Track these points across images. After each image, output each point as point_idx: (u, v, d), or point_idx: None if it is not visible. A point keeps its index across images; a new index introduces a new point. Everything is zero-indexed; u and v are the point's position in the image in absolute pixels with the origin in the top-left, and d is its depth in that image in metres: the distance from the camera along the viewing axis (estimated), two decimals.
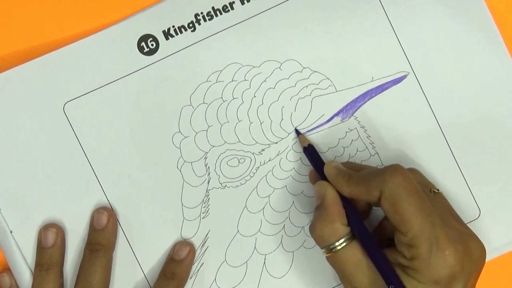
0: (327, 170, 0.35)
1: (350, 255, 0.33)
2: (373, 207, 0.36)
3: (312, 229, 0.34)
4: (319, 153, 0.37)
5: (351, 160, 0.38)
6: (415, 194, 0.31)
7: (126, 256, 0.38)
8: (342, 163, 0.36)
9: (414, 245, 0.31)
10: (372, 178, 0.32)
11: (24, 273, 0.37)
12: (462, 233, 0.32)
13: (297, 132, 0.38)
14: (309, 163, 0.38)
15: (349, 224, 0.33)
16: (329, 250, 0.33)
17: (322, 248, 0.34)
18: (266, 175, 0.38)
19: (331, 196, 0.34)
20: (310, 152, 0.37)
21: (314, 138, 0.38)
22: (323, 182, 0.35)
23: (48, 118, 0.37)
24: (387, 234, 0.35)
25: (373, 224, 0.37)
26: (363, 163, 0.38)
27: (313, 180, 0.37)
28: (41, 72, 0.37)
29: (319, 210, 0.34)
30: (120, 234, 0.38)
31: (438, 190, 0.35)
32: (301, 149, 0.38)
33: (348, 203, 0.34)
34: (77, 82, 0.38)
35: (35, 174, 0.37)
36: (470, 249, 0.32)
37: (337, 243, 0.33)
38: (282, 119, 0.38)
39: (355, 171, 0.34)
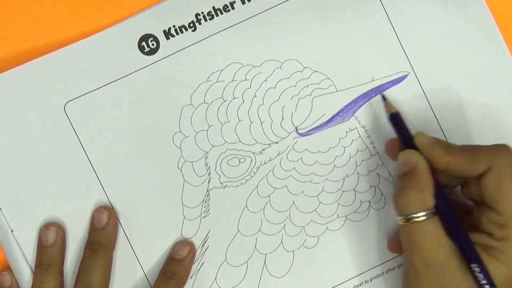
0: (420, 140, 0.34)
1: (430, 228, 0.32)
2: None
3: (399, 194, 0.32)
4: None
5: (352, 159, 0.38)
6: None
7: (127, 256, 0.38)
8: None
9: (508, 225, 0.31)
10: (481, 152, 0.32)
11: (25, 272, 0.37)
12: None
13: (383, 96, 0.37)
14: (309, 163, 0.38)
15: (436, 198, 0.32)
16: (407, 219, 0.32)
17: (401, 216, 0.32)
18: (267, 175, 0.38)
19: (423, 164, 0.33)
20: (397, 120, 0.35)
21: (315, 137, 0.38)
22: (413, 151, 0.33)
23: (49, 117, 0.37)
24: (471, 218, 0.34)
25: None
26: (364, 162, 0.38)
27: (390, 152, 0.36)
28: (42, 72, 0.37)
29: (408, 178, 0.33)
30: (120, 233, 0.38)
31: None
32: (302, 149, 0.38)
33: (434, 178, 0.33)
34: (78, 82, 0.38)
35: (36, 174, 0.37)
36: None
37: (421, 213, 0.32)
38: (282, 119, 0.38)
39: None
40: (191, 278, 0.38)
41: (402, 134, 0.35)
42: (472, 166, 0.32)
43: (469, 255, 0.31)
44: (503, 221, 0.31)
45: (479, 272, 0.31)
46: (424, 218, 0.32)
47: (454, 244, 0.32)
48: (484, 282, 0.31)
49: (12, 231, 0.37)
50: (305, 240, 0.38)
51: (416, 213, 0.32)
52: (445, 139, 0.38)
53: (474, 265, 0.31)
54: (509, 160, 0.32)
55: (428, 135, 0.34)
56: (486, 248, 0.31)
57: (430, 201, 0.32)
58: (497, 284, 0.31)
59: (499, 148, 0.32)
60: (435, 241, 0.32)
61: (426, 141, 0.33)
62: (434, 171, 0.33)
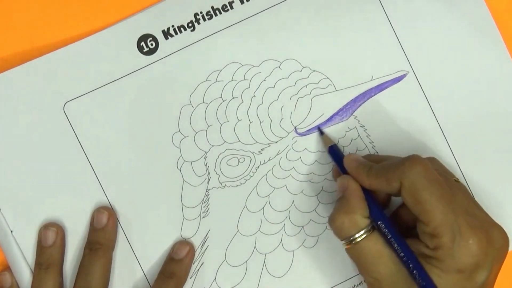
0: (346, 163, 0.35)
1: (370, 246, 0.32)
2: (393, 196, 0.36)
3: (332, 220, 0.34)
4: (341, 152, 0.37)
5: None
6: (435, 183, 0.31)
7: (126, 256, 0.38)
8: (363, 156, 0.36)
9: (437, 235, 0.31)
10: (391, 170, 0.32)
11: (25, 272, 0.37)
12: (485, 221, 0.32)
13: (321, 131, 0.37)
14: (308, 163, 0.38)
15: (371, 215, 0.33)
16: (349, 242, 0.33)
17: (341, 240, 0.33)
18: (266, 175, 0.38)
19: (353, 188, 0.34)
20: (334, 151, 0.37)
21: (314, 137, 0.38)
22: (345, 176, 0.35)
23: (48, 118, 0.37)
24: (404, 222, 0.35)
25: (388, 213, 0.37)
26: None
27: (337, 177, 0.37)
28: (41, 72, 0.37)
29: (340, 202, 0.34)
30: (120, 233, 0.38)
31: (457, 179, 0.35)
32: (301, 149, 0.38)
33: (369, 194, 0.34)
34: (77, 82, 0.38)
35: (35, 174, 0.37)
36: (493, 237, 0.31)
37: (357, 235, 0.33)
38: (282, 119, 0.38)
39: (375, 162, 0.34)
40: (190, 278, 0.38)
41: (338, 162, 0.36)
42: (388, 185, 0.32)
43: (409, 266, 0.31)
44: (431, 231, 0.31)
45: (420, 278, 0.31)
46: (363, 237, 0.33)
47: (397, 255, 0.32)
48: (424, 284, 0.31)
49: (11, 231, 0.37)
50: (305, 239, 0.38)
51: (352, 235, 0.33)
52: (444, 138, 0.38)
53: (416, 276, 0.31)
54: (418, 170, 0.32)
55: (355, 158, 0.35)
56: (426, 258, 0.32)
57: (362, 221, 0.33)
58: None
59: (406, 161, 0.32)
60: (377, 257, 0.32)
61: (351, 165, 0.35)
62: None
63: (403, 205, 0.36)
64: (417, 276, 0.31)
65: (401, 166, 0.32)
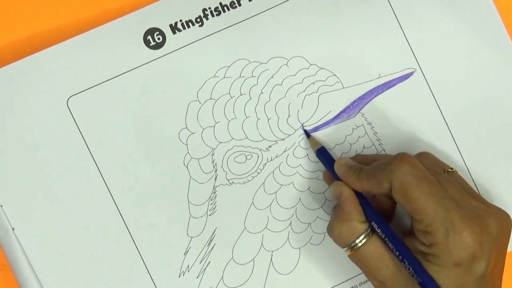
0: (337, 168, 0.35)
1: (371, 250, 0.33)
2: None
3: (330, 230, 0.34)
4: (331, 154, 0.37)
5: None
6: (424, 180, 0.32)
7: (130, 253, 0.37)
8: (352, 157, 0.36)
9: (430, 231, 0.31)
10: (380, 171, 0.33)
11: (25, 271, 0.36)
12: (479, 210, 0.32)
13: (307, 134, 0.38)
14: (316, 160, 0.38)
15: (367, 219, 0.34)
16: (351, 248, 0.33)
17: (343, 248, 0.34)
18: (273, 172, 0.38)
19: (346, 194, 0.34)
20: (323, 154, 0.37)
21: (321, 134, 0.38)
22: (338, 182, 0.35)
23: (52, 113, 0.36)
24: (403, 223, 0.36)
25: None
26: None
27: (328, 180, 0.37)
28: (45, 66, 0.36)
29: (335, 211, 0.34)
30: (125, 231, 0.37)
31: (452, 169, 0.35)
32: (308, 146, 0.38)
33: (363, 198, 0.34)
34: (81, 76, 0.37)
35: (37, 171, 0.36)
36: (488, 225, 0.32)
37: (357, 241, 0.33)
38: (289, 116, 0.38)
39: (365, 162, 0.35)
40: (197, 278, 0.37)
41: (329, 166, 0.36)
42: (379, 187, 0.33)
43: (407, 266, 0.32)
44: (424, 228, 0.32)
45: (416, 275, 0.31)
46: (364, 241, 0.33)
47: (396, 256, 0.33)
48: (420, 281, 0.31)
49: (13, 229, 0.36)
50: (311, 237, 0.38)
51: (353, 241, 0.33)
52: (451, 136, 0.38)
53: (414, 275, 0.32)
54: (406, 169, 0.32)
55: (345, 162, 0.35)
56: (424, 255, 0.32)
57: (360, 226, 0.33)
58: (445, 286, 0.31)
59: (393, 161, 0.32)
60: (379, 260, 0.33)
61: (341, 170, 0.35)
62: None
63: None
64: (413, 274, 0.31)
65: (389, 166, 0.32)
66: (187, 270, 0.37)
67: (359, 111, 0.38)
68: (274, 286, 0.38)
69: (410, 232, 0.33)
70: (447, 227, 0.31)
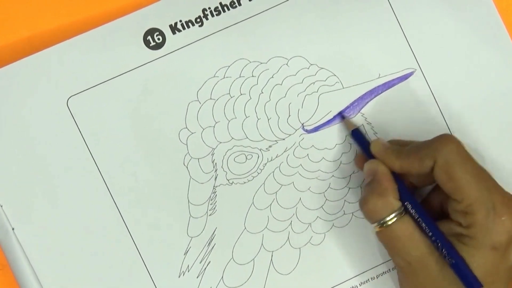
0: (374, 148, 0.35)
1: (402, 229, 0.33)
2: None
3: (364, 203, 0.34)
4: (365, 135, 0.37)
5: (358, 156, 0.38)
6: (469, 160, 0.32)
7: (130, 253, 0.37)
8: (388, 141, 0.36)
9: (470, 212, 0.31)
10: (423, 148, 0.33)
11: (25, 270, 0.36)
12: None
13: (342, 116, 0.37)
14: (315, 160, 0.38)
15: (400, 199, 0.33)
16: (380, 224, 0.33)
17: (373, 223, 0.34)
18: (273, 172, 0.38)
19: (383, 170, 0.34)
20: (359, 135, 0.37)
21: (321, 134, 0.38)
22: (374, 160, 0.35)
23: (51, 113, 0.36)
24: (434, 208, 0.35)
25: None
26: None
27: (359, 164, 0.37)
28: (45, 66, 0.36)
29: (371, 185, 0.34)
30: (125, 231, 0.37)
31: None
32: (308, 146, 0.38)
33: (397, 178, 0.34)
34: (81, 76, 0.37)
35: (37, 171, 0.36)
36: None
37: (390, 217, 0.33)
38: (289, 116, 0.38)
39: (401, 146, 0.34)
40: (197, 277, 0.37)
41: (364, 147, 0.36)
42: (421, 165, 0.33)
43: (440, 246, 0.32)
44: (464, 209, 0.32)
45: (449, 256, 0.31)
46: (394, 220, 0.33)
47: (428, 238, 0.33)
48: (453, 262, 0.31)
49: (13, 229, 0.36)
50: (312, 237, 0.38)
51: (385, 217, 0.33)
52: None
53: (447, 256, 0.31)
54: (453, 148, 0.32)
55: (382, 142, 0.35)
56: (458, 237, 0.32)
57: (395, 203, 0.33)
58: (477, 269, 0.31)
59: (440, 139, 0.33)
60: (409, 240, 0.33)
61: (379, 149, 0.35)
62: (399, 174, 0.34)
63: (430, 192, 0.36)
64: (446, 255, 0.31)
65: (434, 144, 0.32)
66: (187, 270, 0.37)
67: (359, 111, 0.38)
68: (274, 286, 0.38)
69: (441, 219, 0.33)
70: (488, 209, 0.31)
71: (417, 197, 0.37)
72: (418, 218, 0.33)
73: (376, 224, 0.33)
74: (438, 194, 0.34)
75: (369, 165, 0.35)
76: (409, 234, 0.33)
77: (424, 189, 0.37)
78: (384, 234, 0.33)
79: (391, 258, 0.34)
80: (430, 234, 0.32)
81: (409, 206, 0.33)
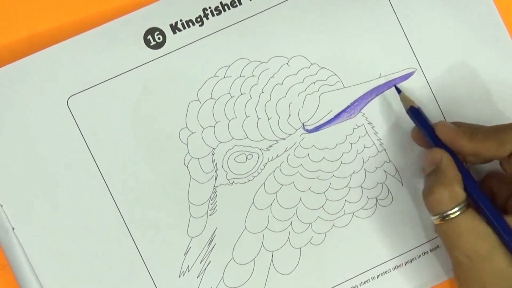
0: (442, 128, 0.34)
1: (467, 222, 0.31)
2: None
3: (429, 193, 0.32)
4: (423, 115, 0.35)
5: (359, 156, 0.38)
6: None
7: (130, 253, 0.37)
8: (452, 122, 0.34)
9: None
10: (504, 132, 0.31)
11: (25, 270, 0.36)
12: None
13: (398, 90, 0.36)
14: (316, 160, 0.38)
15: (465, 190, 0.32)
16: (443, 217, 0.32)
17: (435, 215, 0.32)
18: (274, 172, 0.38)
19: (448, 160, 0.32)
20: (416, 113, 0.35)
21: (322, 134, 0.38)
22: (436, 148, 0.33)
23: (52, 112, 0.36)
24: (499, 200, 0.34)
25: None
26: (371, 159, 0.38)
27: (417, 140, 0.36)
28: (45, 65, 0.36)
29: (435, 175, 0.32)
30: (125, 231, 0.37)
31: None
32: (309, 146, 0.38)
33: (462, 168, 0.33)
34: (81, 76, 0.37)
35: (37, 170, 0.36)
36: None
37: (453, 210, 0.31)
38: (289, 115, 0.38)
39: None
40: (197, 277, 0.37)
41: (425, 128, 0.35)
42: (500, 148, 0.31)
43: (508, 241, 0.31)
44: None
45: None
46: (459, 213, 0.32)
47: (494, 232, 0.31)
48: None
49: (13, 229, 0.36)
50: (312, 237, 0.38)
51: (449, 210, 0.32)
52: None
53: None
54: None
55: (449, 124, 0.34)
56: None
57: (461, 194, 0.32)
58: None
59: None
60: (474, 234, 0.31)
61: (447, 131, 0.33)
62: (462, 159, 0.33)
63: (495, 184, 0.35)
64: None
65: None
66: (187, 270, 0.37)
67: (359, 111, 0.38)
68: (275, 286, 0.38)
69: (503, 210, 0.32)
70: None
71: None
72: (486, 212, 0.31)
73: (437, 216, 0.32)
74: (505, 186, 0.33)
75: (432, 153, 0.33)
76: (475, 228, 0.31)
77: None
78: (446, 227, 0.32)
79: (449, 252, 0.32)
80: (498, 228, 0.31)
81: (476, 199, 0.32)
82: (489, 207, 0.32)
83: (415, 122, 0.36)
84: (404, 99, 0.36)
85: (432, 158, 0.33)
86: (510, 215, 0.32)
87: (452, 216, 0.32)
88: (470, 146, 0.32)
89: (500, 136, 0.32)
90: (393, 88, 0.38)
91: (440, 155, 0.33)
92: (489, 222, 0.32)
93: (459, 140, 0.33)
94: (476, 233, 0.31)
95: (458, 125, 0.35)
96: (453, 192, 0.32)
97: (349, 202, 0.38)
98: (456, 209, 0.32)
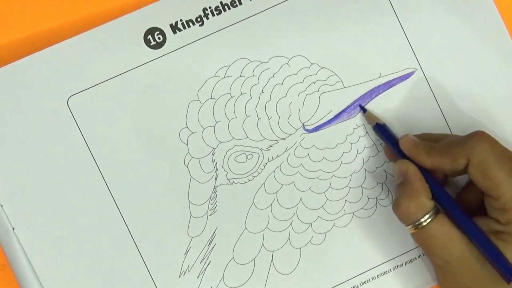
0: (404, 144, 0.35)
1: (439, 228, 0.32)
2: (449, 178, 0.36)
3: (397, 206, 0.33)
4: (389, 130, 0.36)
5: (359, 156, 0.38)
6: (504, 158, 0.32)
7: (131, 254, 0.37)
8: (416, 135, 0.35)
9: (508, 209, 0.31)
10: (457, 146, 0.32)
11: (25, 270, 0.36)
12: None
13: (363, 109, 0.37)
14: (316, 159, 0.38)
15: (434, 197, 0.33)
16: (415, 226, 0.33)
17: (408, 225, 0.33)
18: (274, 171, 0.38)
19: (413, 171, 0.33)
20: (382, 130, 0.36)
21: (322, 134, 0.38)
22: (404, 160, 0.34)
23: (52, 112, 0.36)
24: (469, 203, 0.35)
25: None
26: (371, 159, 0.38)
27: (389, 156, 0.36)
28: (45, 65, 0.36)
29: (402, 187, 0.34)
30: (125, 231, 0.37)
31: None
32: (309, 146, 0.38)
33: (429, 176, 0.34)
34: (81, 75, 0.37)
35: (38, 170, 0.36)
36: None
37: (424, 218, 0.32)
38: (290, 115, 0.38)
39: (431, 141, 0.34)
40: (197, 277, 0.37)
41: (390, 142, 0.36)
42: (454, 163, 0.32)
43: (480, 244, 0.32)
44: (502, 206, 0.31)
45: (491, 255, 0.31)
46: (430, 220, 0.33)
47: (465, 235, 0.32)
48: (492, 260, 0.31)
49: (13, 229, 0.36)
50: (312, 236, 0.38)
51: (419, 219, 0.33)
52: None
53: (487, 254, 0.31)
54: (486, 146, 0.32)
55: (412, 138, 0.35)
56: (497, 234, 0.32)
57: (428, 203, 0.33)
58: None
59: (473, 138, 0.32)
60: (446, 239, 0.32)
61: (408, 145, 0.34)
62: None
63: (465, 188, 0.36)
64: (488, 254, 0.31)
65: (468, 142, 0.32)
66: (188, 270, 0.37)
67: (359, 111, 0.38)
68: (275, 286, 0.38)
69: (477, 215, 0.33)
70: None
71: (451, 191, 0.36)
72: (455, 216, 0.32)
73: (410, 226, 0.33)
74: (473, 190, 0.34)
75: (399, 165, 0.34)
76: (446, 233, 0.32)
77: (458, 182, 0.36)
78: (420, 235, 0.33)
79: (428, 258, 0.33)
80: (468, 231, 0.32)
81: (446, 205, 0.33)
82: (457, 212, 0.33)
83: (381, 138, 0.37)
84: (369, 117, 0.37)
85: (399, 170, 0.34)
86: (480, 217, 0.33)
87: (424, 223, 0.33)
88: (429, 162, 0.33)
89: (452, 152, 0.33)
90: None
91: (406, 166, 0.34)
92: (460, 225, 0.32)
93: (418, 155, 0.34)
94: (449, 238, 0.32)
95: (424, 137, 0.35)
96: (419, 203, 0.33)
97: (349, 202, 0.38)
98: (426, 217, 0.33)
